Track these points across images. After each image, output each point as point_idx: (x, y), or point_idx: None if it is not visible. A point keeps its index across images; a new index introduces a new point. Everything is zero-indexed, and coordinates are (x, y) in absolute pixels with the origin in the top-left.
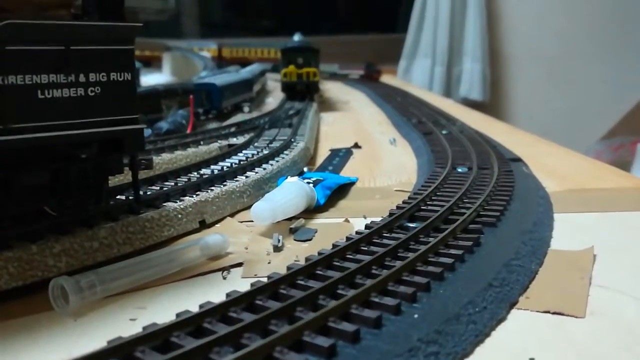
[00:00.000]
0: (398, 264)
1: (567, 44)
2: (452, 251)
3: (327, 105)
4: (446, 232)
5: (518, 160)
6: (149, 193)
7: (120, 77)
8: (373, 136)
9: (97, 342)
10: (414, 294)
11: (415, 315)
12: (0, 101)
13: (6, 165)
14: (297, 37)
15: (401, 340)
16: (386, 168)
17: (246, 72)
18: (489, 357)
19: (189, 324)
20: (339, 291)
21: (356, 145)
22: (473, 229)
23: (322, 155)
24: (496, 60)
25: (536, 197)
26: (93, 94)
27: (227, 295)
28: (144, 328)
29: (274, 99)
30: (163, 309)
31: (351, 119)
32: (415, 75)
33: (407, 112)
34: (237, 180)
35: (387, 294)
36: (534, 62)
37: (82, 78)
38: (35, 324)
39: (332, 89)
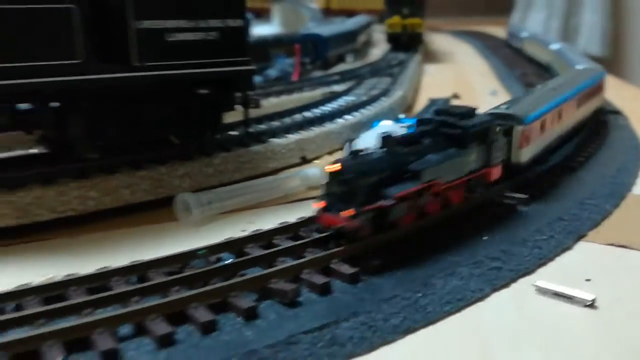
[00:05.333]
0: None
1: None
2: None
3: (431, 56)
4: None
5: (617, 112)
6: (257, 130)
7: (235, 24)
8: (474, 87)
9: None
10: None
11: (484, 238)
12: (137, 42)
13: (139, 99)
14: None
15: (468, 255)
16: None
17: (351, 23)
18: (549, 276)
19: (288, 230)
20: None
21: (455, 96)
22: (552, 172)
23: (422, 104)
24: (618, 13)
25: (627, 147)
26: (211, 37)
27: None
28: (252, 232)
29: (379, 50)
30: (268, 224)
31: (454, 70)
32: (530, 28)
33: (513, 65)
34: (335, 123)
35: None
36: None
37: (202, 24)
38: (163, 231)
39: (438, 40)
